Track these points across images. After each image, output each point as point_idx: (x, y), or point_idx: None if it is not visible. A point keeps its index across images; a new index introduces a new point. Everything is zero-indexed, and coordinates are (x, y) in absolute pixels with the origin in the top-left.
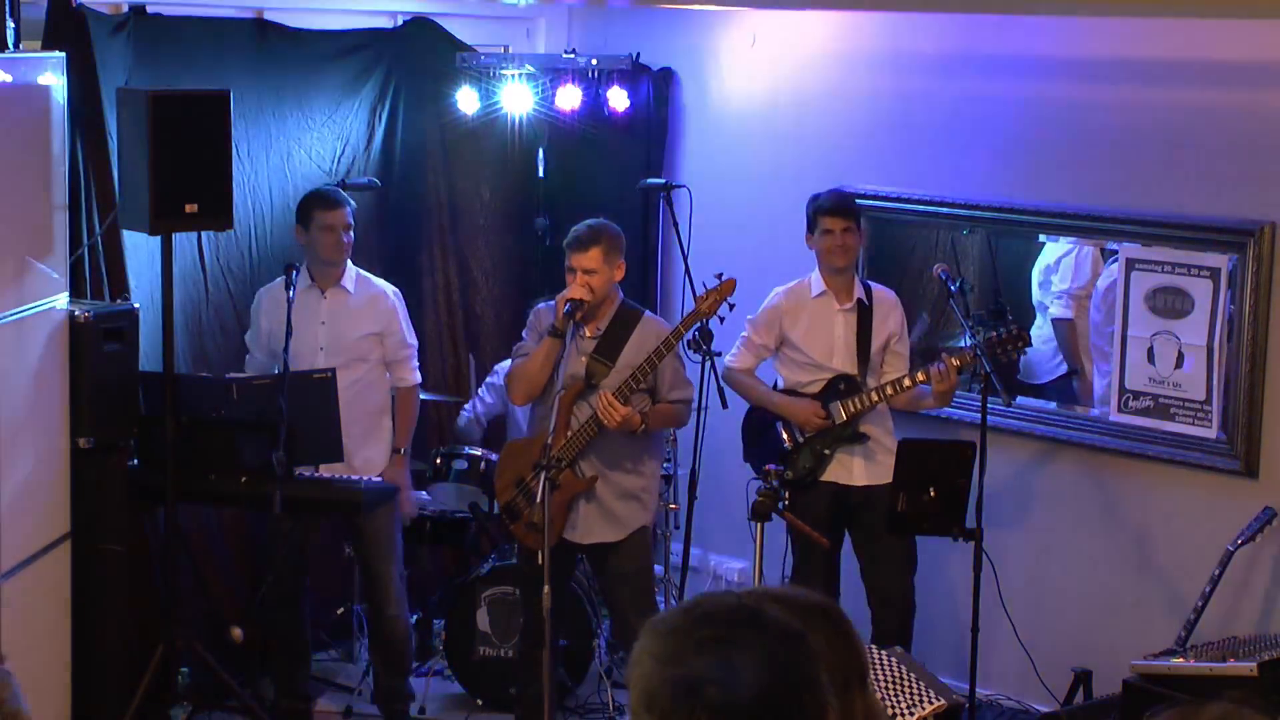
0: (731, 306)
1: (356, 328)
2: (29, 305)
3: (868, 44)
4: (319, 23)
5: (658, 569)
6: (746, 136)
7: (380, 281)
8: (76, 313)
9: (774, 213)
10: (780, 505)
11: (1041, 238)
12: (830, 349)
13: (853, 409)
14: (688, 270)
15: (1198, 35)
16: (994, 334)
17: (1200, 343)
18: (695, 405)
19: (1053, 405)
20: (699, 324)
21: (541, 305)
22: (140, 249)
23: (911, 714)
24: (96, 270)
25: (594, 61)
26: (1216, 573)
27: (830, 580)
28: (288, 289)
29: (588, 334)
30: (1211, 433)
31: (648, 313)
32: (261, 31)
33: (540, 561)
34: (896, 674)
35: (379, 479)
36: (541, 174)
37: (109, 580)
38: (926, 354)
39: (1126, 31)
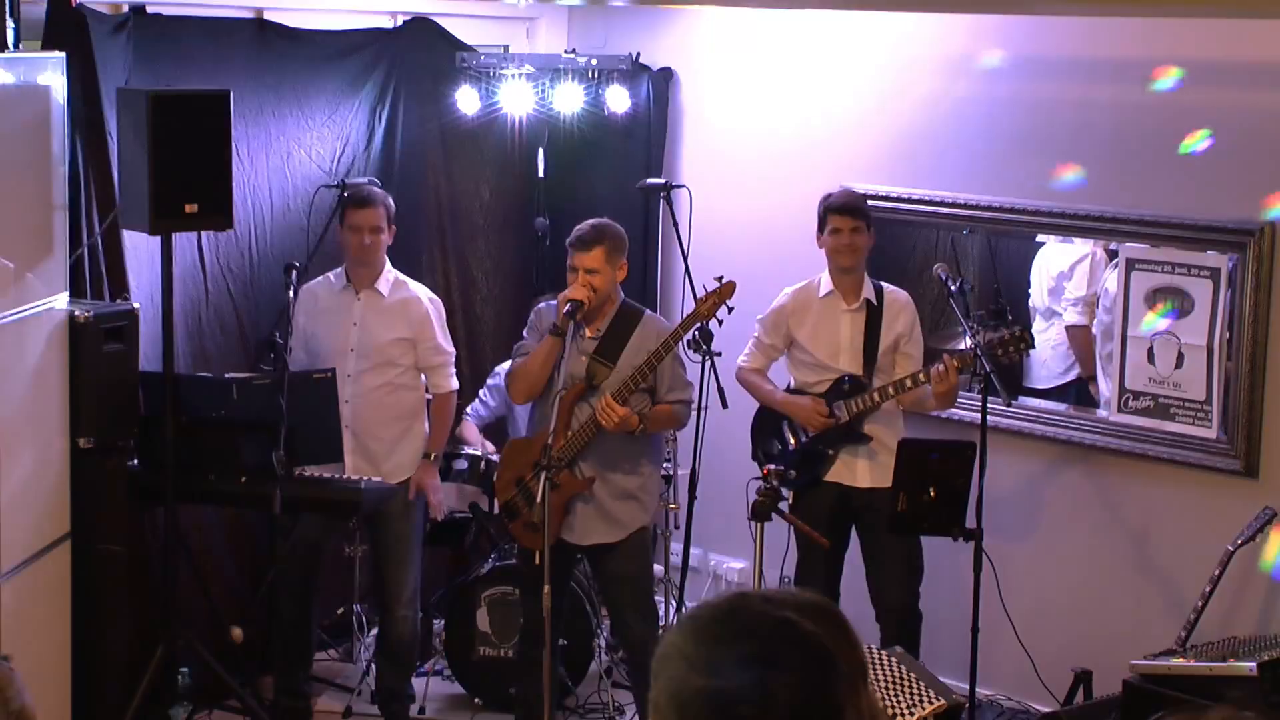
0: (730, 309)
1: (387, 331)
2: (29, 305)
3: (868, 44)
4: (319, 23)
5: (658, 569)
6: (746, 136)
7: (417, 287)
8: (76, 313)
9: (774, 213)
10: (780, 505)
11: (1040, 238)
12: (836, 349)
13: (856, 409)
14: (688, 270)
15: (1197, 35)
16: (996, 335)
17: (1200, 343)
18: (695, 405)
19: (1053, 405)
20: (699, 325)
21: (543, 305)
22: (140, 249)
23: (911, 714)
24: (96, 270)
25: (594, 61)
26: (1216, 573)
27: (832, 580)
28: (287, 289)
29: (588, 334)
30: (1211, 433)
31: (649, 312)
32: (261, 31)
33: (539, 561)
34: (896, 674)
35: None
36: (541, 174)
37: (109, 580)
38: (928, 354)
39: (1126, 31)
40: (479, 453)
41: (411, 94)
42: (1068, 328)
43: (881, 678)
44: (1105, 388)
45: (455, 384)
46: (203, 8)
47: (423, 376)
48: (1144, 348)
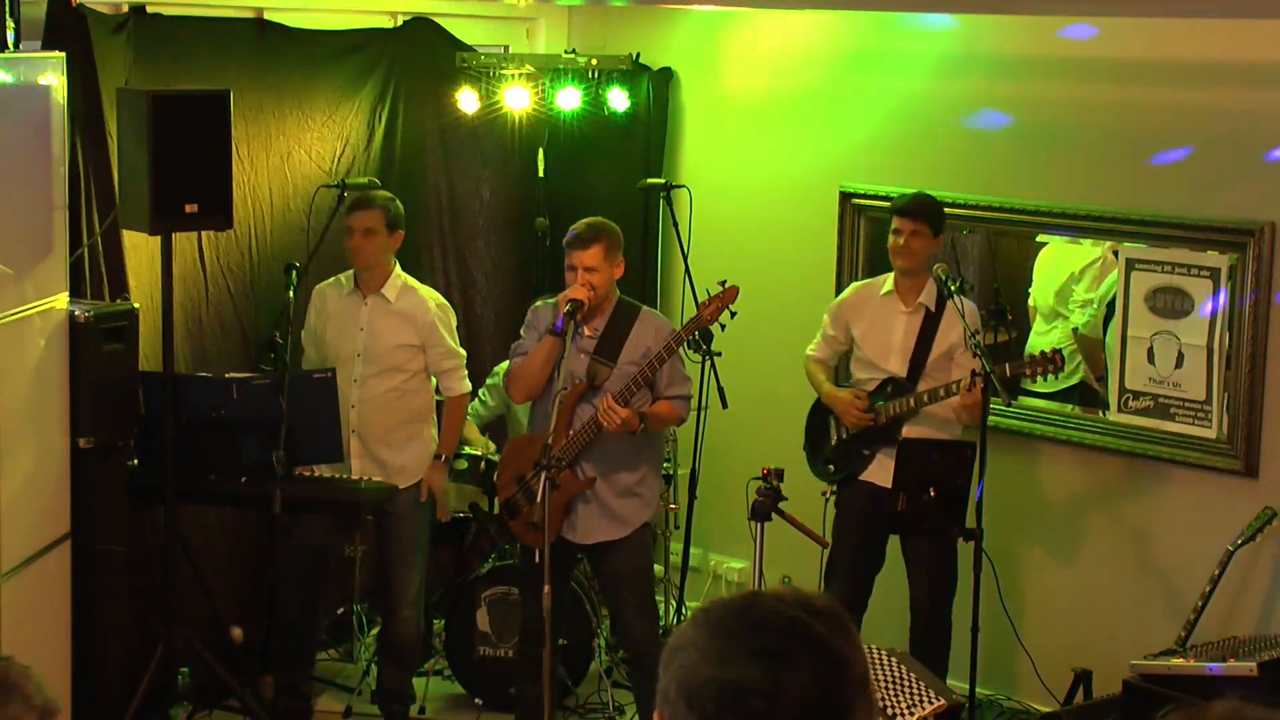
0: (733, 314)
1: (394, 337)
2: (29, 305)
3: (868, 44)
4: (319, 23)
5: (657, 569)
6: (746, 136)
7: (426, 292)
8: (76, 313)
9: (774, 213)
10: (780, 505)
11: (1041, 238)
12: (887, 350)
13: (893, 411)
14: (688, 270)
15: (1197, 35)
16: (1028, 355)
17: (1200, 343)
18: (695, 405)
19: (1053, 405)
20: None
21: (540, 304)
22: (140, 249)
23: (911, 714)
24: (96, 270)
25: (594, 61)
26: (1216, 573)
27: (858, 578)
28: (287, 289)
29: (587, 333)
30: (1211, 433)
31: (645, 308)
32: (261, 31)
33: (537, 560)
34: (896, 674)
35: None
36: (541, 174)
37: (109, 580)
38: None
39: (1126, 31)
40: (479, 453)
41: (411, 94)
42: (1075, 330)
43: (881, 678)
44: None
45: (468, 387)
46: (203, 8)
47: (433, 380)
48: (1144, 348)
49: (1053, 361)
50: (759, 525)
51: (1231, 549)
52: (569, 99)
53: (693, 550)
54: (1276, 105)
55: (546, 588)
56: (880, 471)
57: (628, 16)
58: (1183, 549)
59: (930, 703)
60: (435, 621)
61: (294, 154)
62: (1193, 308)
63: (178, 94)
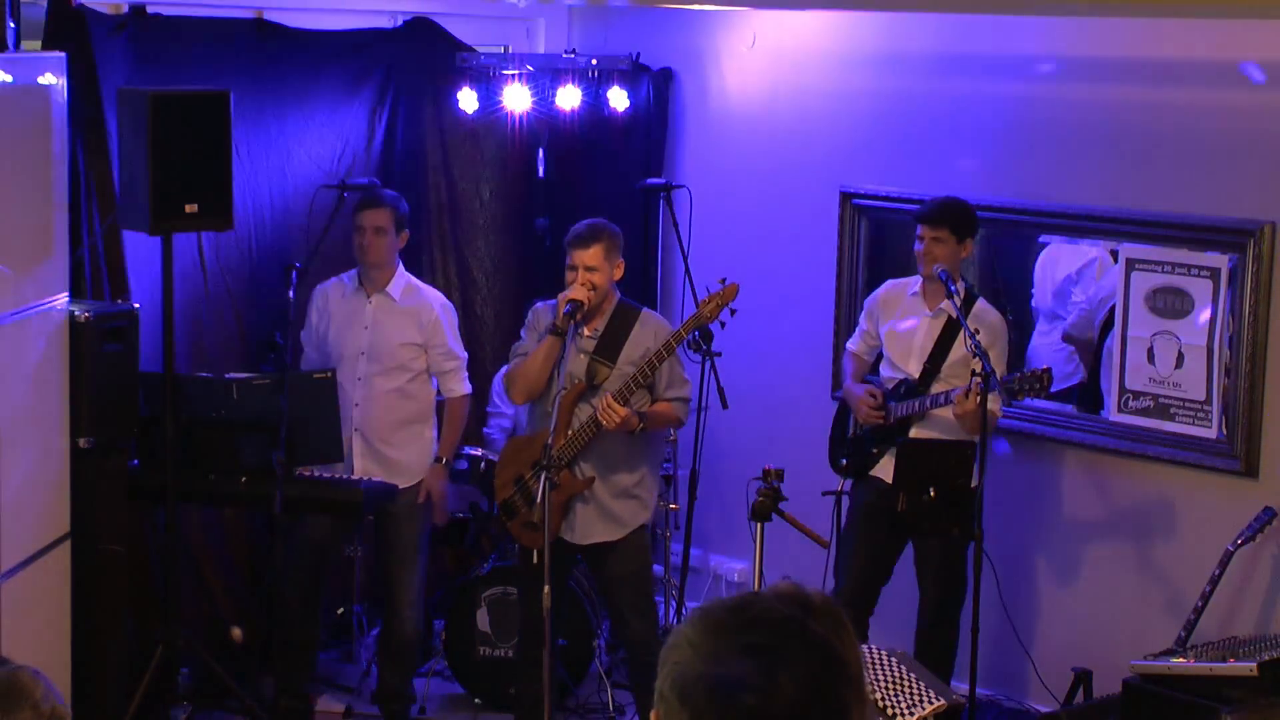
0: (733, 312)
1: (398, 335)
2: (29, 305)
3: (868, 44)
4: (319, 23)
5: (658, 569)
6: (746, 136)
7: (430, 292)
8: (76, 313)
9: (774, 213)
10: (780, 505)
11: (1042, 238)
12: (908, 351)
13: (901, 412)
14: (688, 270)
15: (1198, 35)
16: (1018, 374)
17: (1200, 343)
18: (695, 405)
19: (1053, 405)
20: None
21: (540, 304)
22: (140, 249)
23: (911, 714)
24: (96, 270)
25: (594, 61)
26: (1216, 573)
27: (867, 574)
28: (287, 289)
29: (587, 333)
30: (1211, 433)
31: (646, 310)
32: (261, 31)
33: (535, 561)
34: (896, 674)
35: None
36: (541, 174)
37: (109, 580)
38: None
39: (1126, 31)
40: (478, 453)
41: (411, 94)
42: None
43: (881, 678)
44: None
45: (468, 388)
46: (203, 8)
47: (434, 381)
48: (1144, 348)
49: (1040, 380)
50: (759, 525)
51: (1231, 549)
52: (569, 99)
53: (693, 550)
54: (1277, 105)
55: (546, 588)
56: (889, 469)
57: (628, 16)
58: (1183, 549)
59: (930, 703)
60: (435, 621)
61: (294, 154)
62: (1193, 308)
63: (178, 94)
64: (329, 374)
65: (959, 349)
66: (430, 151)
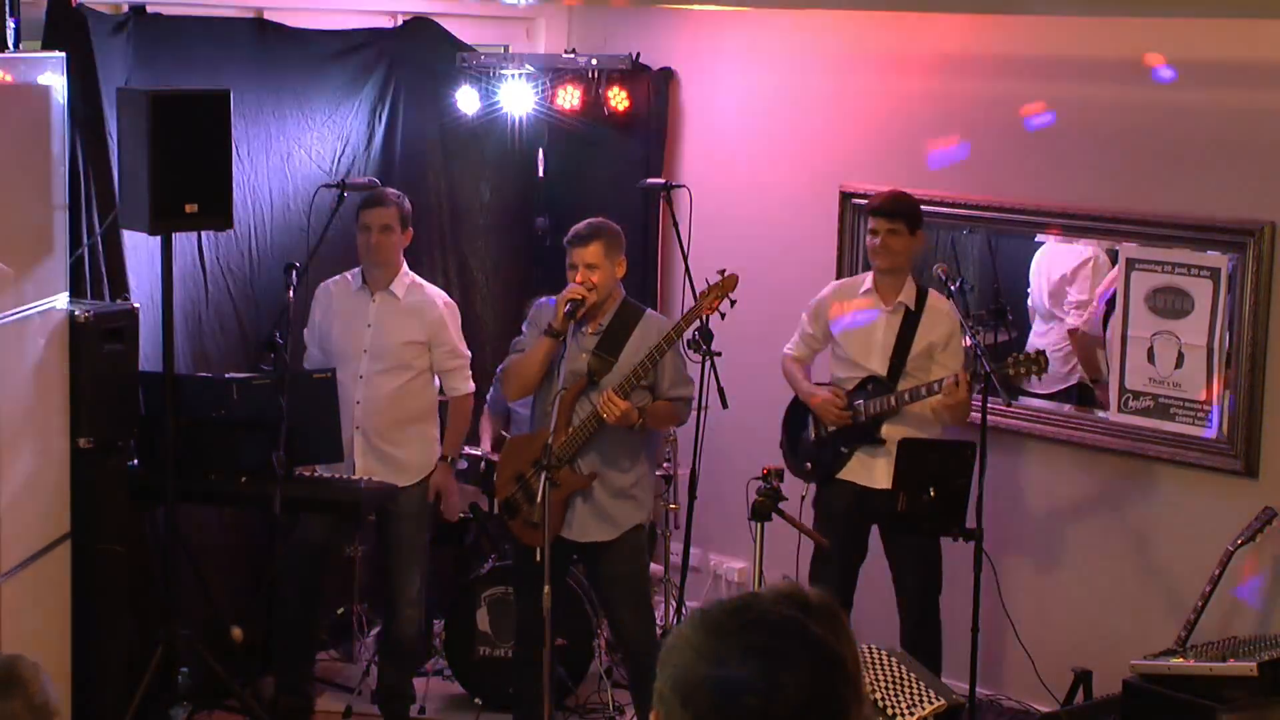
0: (733, 303)
1: (402, 334)
2: (29, 305)
3: (867, 44)
4: (319, 22)
5: (657, 569)
6: (746, 136)
7: (434, 291)
8: (76, 313)
9: (774, 213)
10: (780, 505)
11: (1040, 237)
12: (867, 348)
13: (873, 410)
14: (688, 270)
15: (1197, 35)
16: (1012, 355)
17: (1200, 343)
18: (695, 405)
19: (1053, 405)
20: (700, 323)
21: (542, 301)
22: (140, 249)
23: (911, 714)
24: (96, 270)
25: (594, 61)
26: (1216, 573)
27: (846, 579)
28: (287, 289)
29: (589, 331)
30: (1211, 433)
31: (650, 310)
32: (261, 31)
33: (538, 559)
34: (896, 674)
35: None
36: (541, 174)
37: (109, 580)
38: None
39: (1126, 31)
40: (479, 453)
41: (411, 94)
42: (1070, 331)
43: (881, 678)
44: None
45: (472, 387)
46: (203, 8)
47: (436, 379)
48: (1144, 348)
49: (1036, 362)
50: (759, 525)
51: (1231, 549)
52: (569, 99)
53: (693, 550)
54: (1277, 105)
55: (546, 588)
56: (860, 470)
57: (628, 16)
58: (1183, 549)
59: (930, 703)
60: (435, 621)
61: (294, 154)
62: (1193, 308)
63: (178, 94)
64: (329, 374)
65: (920, 343)
66: (430, 151)
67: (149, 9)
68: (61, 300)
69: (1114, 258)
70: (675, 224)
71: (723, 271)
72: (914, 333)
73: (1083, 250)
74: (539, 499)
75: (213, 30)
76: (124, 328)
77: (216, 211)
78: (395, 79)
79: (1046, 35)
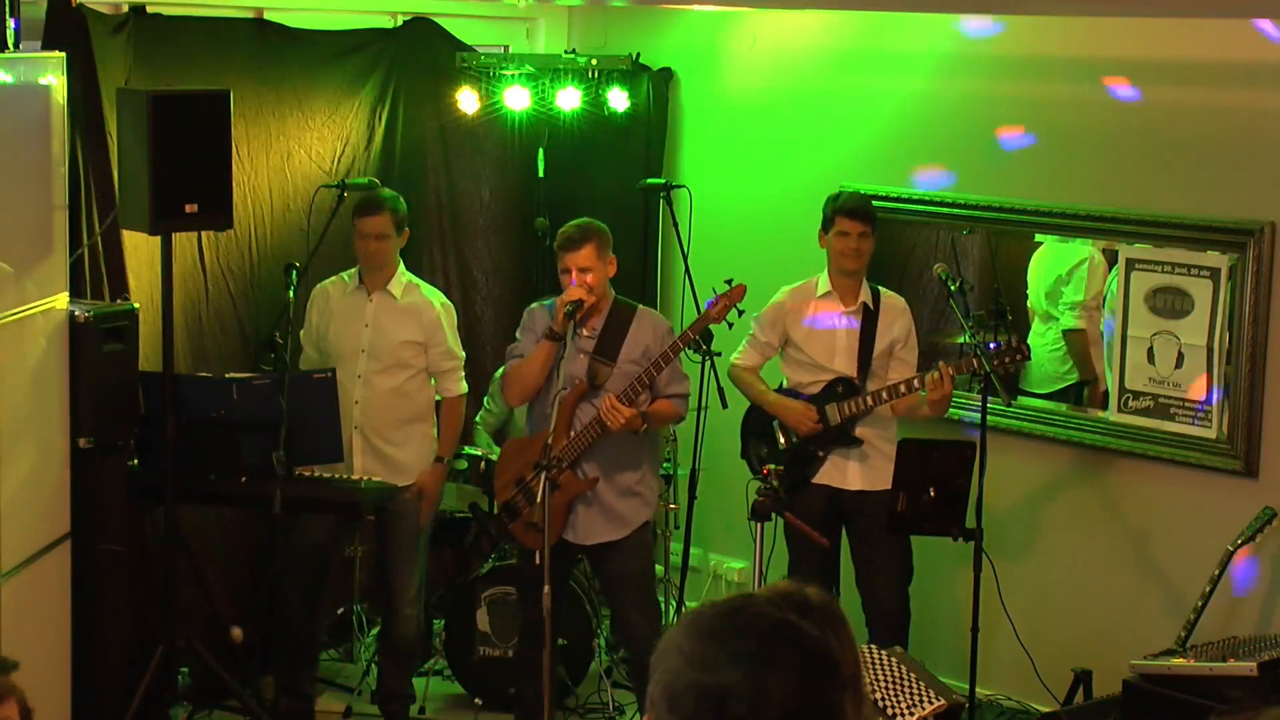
0: (741, 312)
1: (399, 334)
2: (29, 305)
3: (867, 44)
4: (319, 23)
5: (658, 568)
6: (746, 136)
7: (430, 291)
8: (76, 313)
9: (774, 213)
10: (781, 505)
11: (1039, 238)
12: (831, 351)
13: (847, 412)
14: (688, 270)
15: (1198, 35)
16: (994, 346)
17: (1200, 343)
18: (695, 405)
19: (1053, 405)
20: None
21: (535, 306)
22: (140, 249)
23: (911, 714)
24: (96, 270)
25: (594, 61)
26: (1216, 573)
27: (828, 583)
28: (287, 289)
29: (585, 333)
30: (1211, 433)
31: (642, 307)
32: (261, 31)
33: (537, 561)
34: (896, 674)
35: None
36: (541, 174)
37: (109, 580)
38: (926, 354)
39: (1126, 31)
40: (479, 452)
41: (411, 94)
42: (1065, 332)
43: (881, 678)
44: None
45: (465, 388)
46: (203, 8)
47: (432, 380)
48: (1144, 348)
49: (1019, 352)
50: (759, 525)
51: (1231, 549)
52: (569, 99)
53: (693, 550)
54: (1277, 105)
55: (546, 588)
56: (834, 473)
57: (628, 16)
58: (1183, 549)
59: (930, 703)
60: (435, 621)
61: (294, 154)
62: (1193, 308)
63: (178, 94)
64: (329, 373)
65: (882, 340)
66: (430, 151)
67: (149, 9)
68: (61, 300)
69: (1110, 258)
70: (675, 224)
71: (730, 281)
72: (875, 331)
73: (1079, 250)
74: (539, 500)
75: (213, 30)
76: (124, 328)
77: (216, 211)
78: (395, 79)
79: (1047, 35)
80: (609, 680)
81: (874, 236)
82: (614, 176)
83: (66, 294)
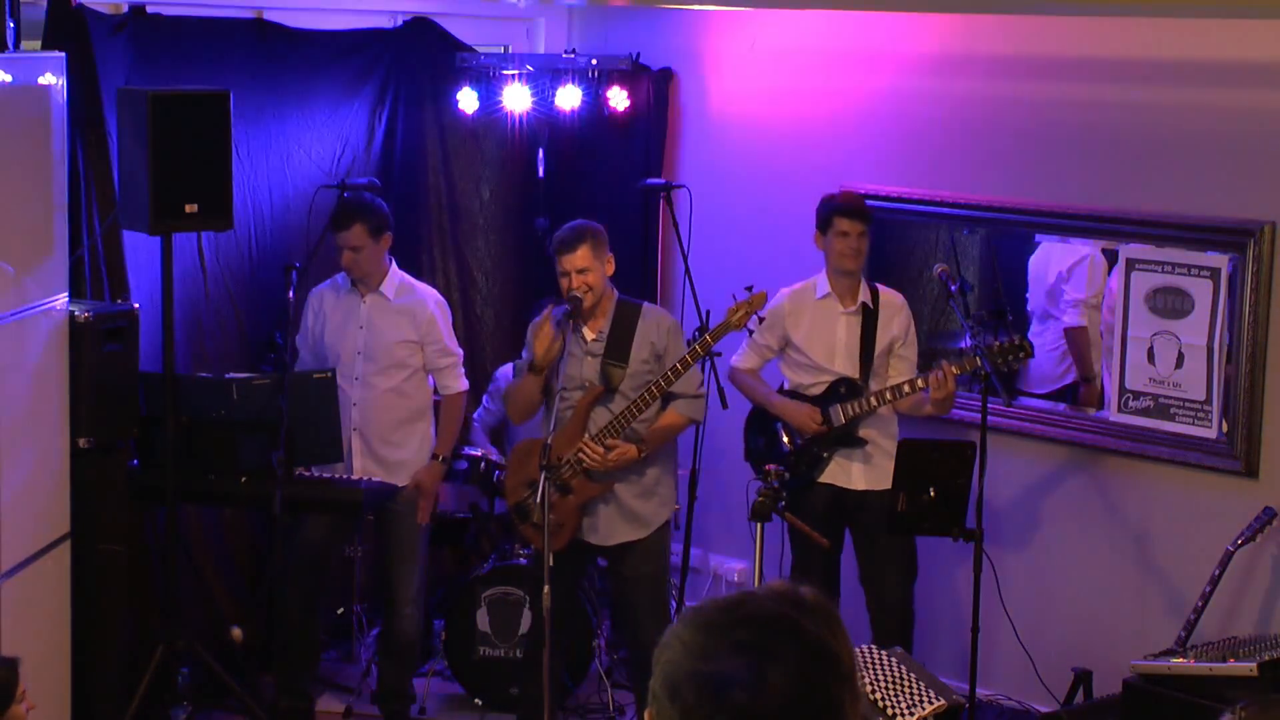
0: (760, 319)
1: (394, 334)
2: (29, 305)
3: (867, 44)
4: (319, 23)
5: None
6: (746, 136)
7: (424, 289)
8: (76, 313)
9: (774, 213)
10: (781, 505)
11: (1038, 237)
12: (832, 351)
13: (851, 412)
14: (688, 270)
15: (1198, 35)
16: (996, 343)
17: (1200, 343)
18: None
19: (1052, 405)
20: (701, 323)
21: (538, 318)
22: (140, 249)
23: (911, 714)
24: (96, 270)
25: (594, 61)
26: (1216, 573)
27: (830, 582)
28: (287, 289)
29: (591, 336)
30: (1211, 433)
31: (647, 304)
32: (261, 32)
33: (550, 563)
34: (896, 674)
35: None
36: (541, 174)
37: (109, 580)
38: (926, 354)
39: (1126, 31)
40: (479, 453)
41: (411, 94)
42: (1066, 330)
43: (881, 678)
44: (1111, 388)
45: (465, 385)
46: (203, 8)
47: (430, 378)
48: (1144, 348)
49: (1022, 349)
50: (759, 525)
51: (1231, 549)
52: (569, 99)
53: (693, 550)
54: (1277, 105)
55: (546, 588)
56: (838, 473)
57: (628, 16)
58: (1183, 549)
59: (930, 703)
60: (435, 621)
61: (294, 154)
62: (1193, 308)
63: (178, 94)
64: (329, 374)
65: (882, 339)
66: (430, 151)
67: (149, 9)
68: (61, 300)
69: (1111, 257)
70: (675, 224)
71: (750, 288)
72: (875, 331)
73: (1078, 248)
74: (538, 500)
75: (213, 30)
76: (124, 328)
77: (216, 212)
78: (395, 79)
79: (1047, 35)
80: (609, 680)
81: (868, 235)
82: (614, 176)
83: (66, 294)
